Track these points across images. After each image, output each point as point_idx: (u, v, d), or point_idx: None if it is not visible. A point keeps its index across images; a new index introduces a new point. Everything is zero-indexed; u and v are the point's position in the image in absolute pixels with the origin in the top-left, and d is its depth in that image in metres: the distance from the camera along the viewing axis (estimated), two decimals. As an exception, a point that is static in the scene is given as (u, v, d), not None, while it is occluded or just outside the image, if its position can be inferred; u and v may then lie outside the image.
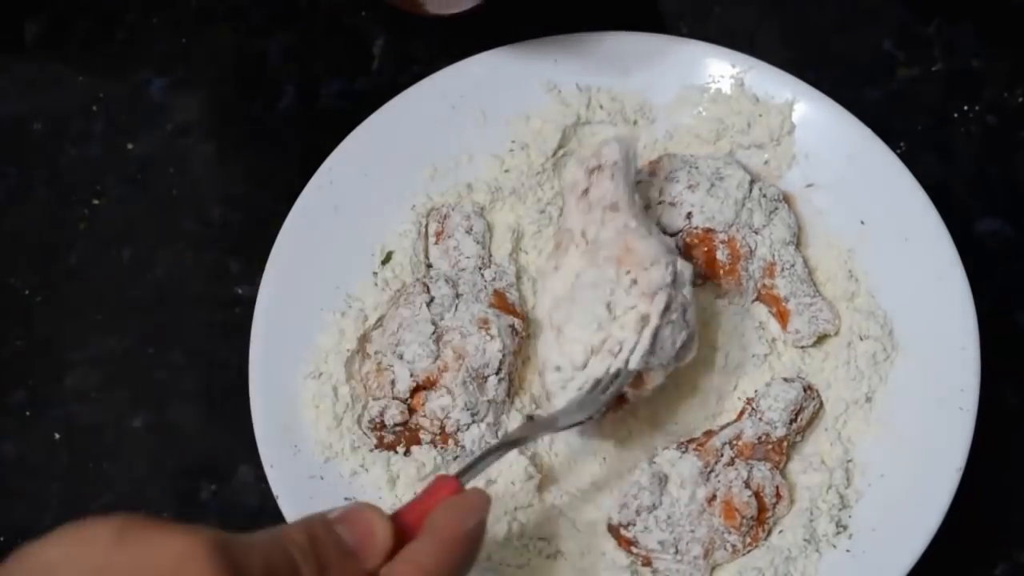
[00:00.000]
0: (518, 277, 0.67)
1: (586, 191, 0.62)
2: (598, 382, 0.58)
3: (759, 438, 0.62)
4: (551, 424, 0.58)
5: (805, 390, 0.63)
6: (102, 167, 0.73)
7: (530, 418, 0.63)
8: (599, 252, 0.60)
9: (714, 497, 0.61)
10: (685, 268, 0.60)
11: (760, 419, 0.63)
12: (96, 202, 0.73)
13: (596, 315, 0.58)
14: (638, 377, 0.60)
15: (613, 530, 0.62)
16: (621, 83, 0.69)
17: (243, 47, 0.76)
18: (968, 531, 0.63)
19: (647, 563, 0.61)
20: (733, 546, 0.61)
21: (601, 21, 0.70)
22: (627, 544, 0.61)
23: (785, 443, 0.63)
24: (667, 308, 0.58)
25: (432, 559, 0.46)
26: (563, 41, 0.68)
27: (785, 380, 0.64)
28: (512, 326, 0.64)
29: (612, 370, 0.58)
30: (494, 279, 0.66)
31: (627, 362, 0.58)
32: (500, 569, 0.62)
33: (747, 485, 0.61)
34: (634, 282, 0.58)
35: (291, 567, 0.43)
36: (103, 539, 0.40)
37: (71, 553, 0.40)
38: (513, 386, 0.64)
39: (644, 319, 0.58)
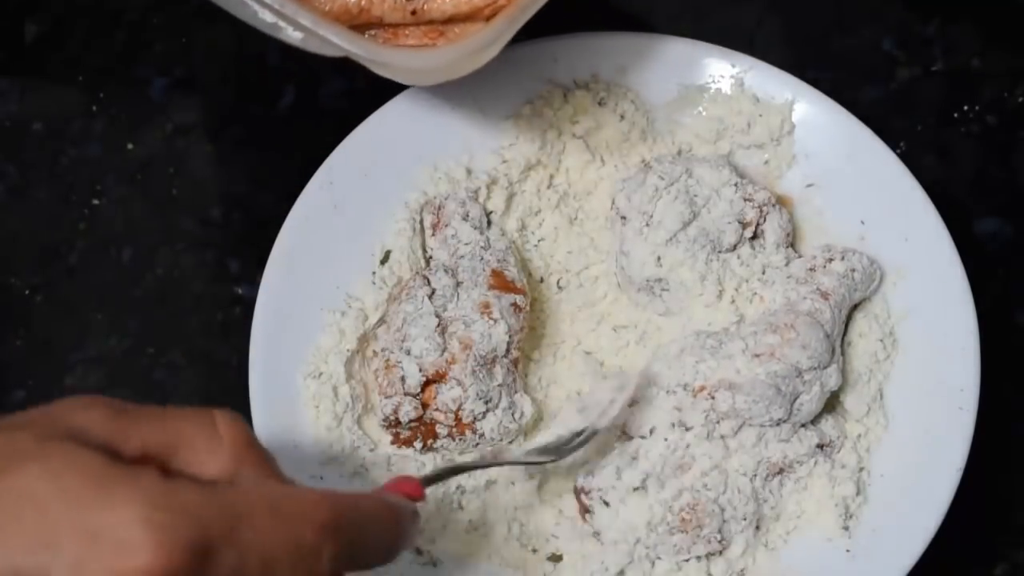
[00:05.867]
0: (514, 245, 0.67)
1: (812, 269, 0.64)
2: (580, 433, 0.60)
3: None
4: (518, 456, 0.60)
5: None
6: (102, 167, 0.73)
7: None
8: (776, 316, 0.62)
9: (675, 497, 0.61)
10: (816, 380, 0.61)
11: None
12: (96, 202, 0.73)
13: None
14: None
15: (576, 491, 0.62)
16: (621, 83, 0.68)
17: (243, 47, 0.76)
18: (968, 531, 0.63)
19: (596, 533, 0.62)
20: (676, 547, 0.61)
21: (601, 21, 0.70)
22: (582, 509, 0.62)
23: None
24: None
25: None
26: (562, 41, 0.68)
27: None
28: (514, 303, 0.63)
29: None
30: (489, 258, 0.65)
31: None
32: (500, 569, 0.62)
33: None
34: (772, 355, 0.61)
35: None
36: None
37: None
38: (520, 362, 0.64)
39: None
